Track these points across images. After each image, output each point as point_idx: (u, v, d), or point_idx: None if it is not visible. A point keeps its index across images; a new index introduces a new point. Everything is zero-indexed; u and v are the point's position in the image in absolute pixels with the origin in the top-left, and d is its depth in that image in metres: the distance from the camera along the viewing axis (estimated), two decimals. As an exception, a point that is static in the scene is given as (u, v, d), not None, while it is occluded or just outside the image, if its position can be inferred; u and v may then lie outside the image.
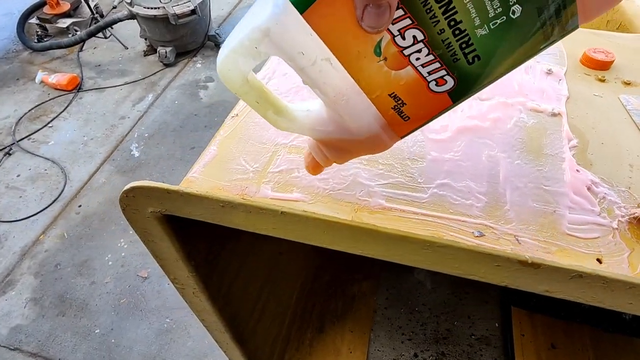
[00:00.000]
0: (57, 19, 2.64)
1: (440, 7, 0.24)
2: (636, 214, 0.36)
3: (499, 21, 0.24)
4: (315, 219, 0.31)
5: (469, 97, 0.28)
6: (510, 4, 0.23)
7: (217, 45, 2.54)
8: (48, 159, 1.95)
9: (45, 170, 1.91)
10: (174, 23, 2.21)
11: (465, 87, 0.27)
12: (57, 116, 2.16)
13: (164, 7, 2.17)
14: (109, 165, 1.91)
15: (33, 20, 2.66)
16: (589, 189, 0.39)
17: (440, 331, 1.29)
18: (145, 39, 2.48)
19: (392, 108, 0.29)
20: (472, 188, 0.39)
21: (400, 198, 0.38)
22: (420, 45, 0.25)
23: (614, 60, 0.55)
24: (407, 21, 0.24)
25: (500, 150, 0.43)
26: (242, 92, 0.28)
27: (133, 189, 0.35)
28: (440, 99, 0.28)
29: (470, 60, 0.26)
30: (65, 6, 2.67)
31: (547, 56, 0.58)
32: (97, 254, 1.58)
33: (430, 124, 0.43)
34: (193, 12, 2.23)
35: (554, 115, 0.48)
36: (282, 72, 0.54)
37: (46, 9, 2.65)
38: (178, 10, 2.18)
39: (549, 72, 0.54)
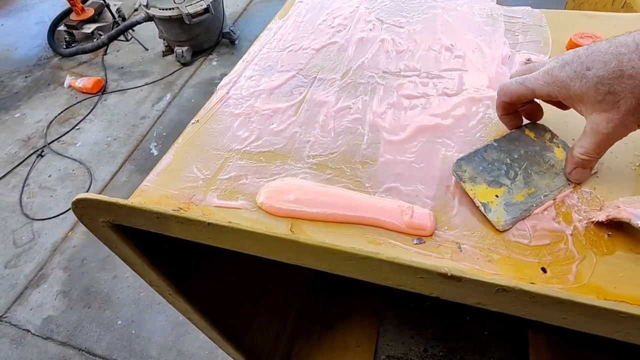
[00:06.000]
0: (82, 25, 2.76)
1: None
2: (594, 219, 0.33)
3: None
4: (240, 230, 0.31)
5: None
6: None
7: (232, 42, 2.56)
8: (76, 160, 2.06)
9: (73, 170, 2.02)
10: (188, 22, 2.26)
11: None
12: (83, 119, 2.27)
13: (178, 8, 2.21)
14: (129, 164, 1.99)
15: (62, 28, 2.79)
16: (547, 191, 0.36)
17: (450, 327, 1.26)
18: (164, 40, 2.55)
19: None
20: (420, 192, 0.37)
21: (344, 204, 0.37)
22: None
23: (601, 46, 0.50)
24: None
25: (459, 150, 0.41)
26: None
27: (80, 200, 0.36)
28: None
29: None
30: (90, 12, 2.78)
31: (530, 44, 0.54)
32: (119, 250, 1.66)
33: (388, 124, 0.42)
34: (206, 10, 2.26)
35: (524, 109, 0.45)
36: (247, 76, 0.54)
37: (72, 16, 2.78)
38: (191, 9, 2.21)
39: (528, 62, 0.51)
